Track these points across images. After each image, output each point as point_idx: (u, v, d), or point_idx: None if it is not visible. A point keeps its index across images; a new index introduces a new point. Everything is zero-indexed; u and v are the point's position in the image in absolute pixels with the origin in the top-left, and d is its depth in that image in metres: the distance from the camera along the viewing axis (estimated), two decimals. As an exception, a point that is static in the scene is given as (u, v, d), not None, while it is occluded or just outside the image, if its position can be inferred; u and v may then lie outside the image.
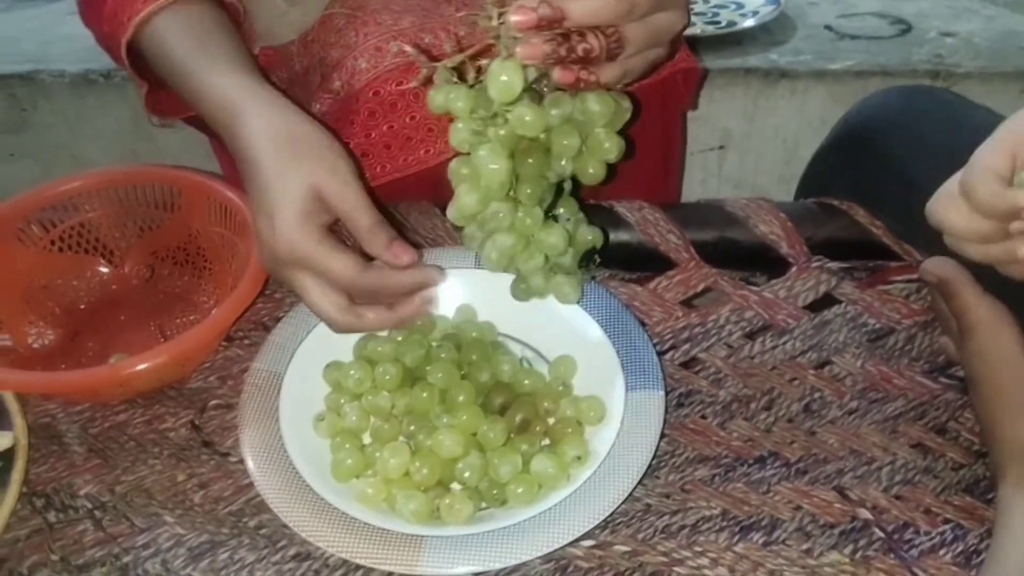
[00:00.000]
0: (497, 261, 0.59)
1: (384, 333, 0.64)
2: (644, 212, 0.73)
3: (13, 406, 0.61)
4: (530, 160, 0.56)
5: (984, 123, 0.66)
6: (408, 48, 0.57)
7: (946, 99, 0.77)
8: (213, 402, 0.64)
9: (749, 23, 1.28)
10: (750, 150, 1.33)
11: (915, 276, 0.68)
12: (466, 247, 0.62)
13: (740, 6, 1.32)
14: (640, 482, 0.55)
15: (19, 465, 0.58)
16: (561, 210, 0.61)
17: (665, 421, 0.58)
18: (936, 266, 0.59)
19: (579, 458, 0.56)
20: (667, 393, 0.60)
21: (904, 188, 0.71)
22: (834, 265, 0.70)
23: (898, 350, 0.65)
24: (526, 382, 0.62)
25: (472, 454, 0.57)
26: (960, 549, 0.53)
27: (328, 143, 0.60)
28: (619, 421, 0.58)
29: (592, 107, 0.56)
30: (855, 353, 0.65)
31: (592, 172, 0.58)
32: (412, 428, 0.59)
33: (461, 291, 0.67)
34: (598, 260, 0.65)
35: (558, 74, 0.53)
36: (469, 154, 0.56)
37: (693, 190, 1.32)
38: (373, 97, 0.74)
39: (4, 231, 0.70)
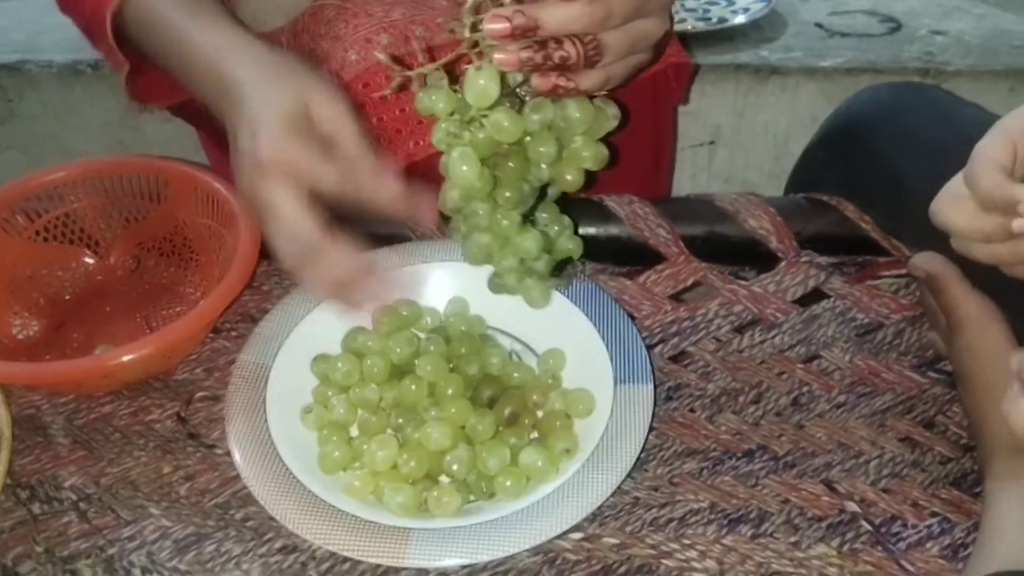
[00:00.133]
0: (476, 256, 0.60)
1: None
2: (634, 206, 0.72)
3: (-3, 397, 0.61)
4: (510, 164, 0.57)
5: (973, 120, 0.66)
6: (380, 55, 0.57)
7: (936, 95, 0.77)
8: (199, 394, 0.63)
9: (740, 20, 1.28)
10: (740, 146, 1.33)
11: (904, 271, 0.68)
12: (452, 238, 0.62)
13: (731, 3, 1.32)
14: (629, 475, 0.55)
15: (3, 456, 0.57)
16: (543, 215, 0.61)
17: (654, 414, 0.58)
18: (925, 261, 0.59)
19: (568, 451, 0.56)
20: (656, 387, 0.60)
21: (893, 184, 0.71)
22: (823, 260, 0.70)
23: (886, 345, 0.65)
24: (515, 375, 0.62)
25: (460, 447, 0.57)
26: (947, 542, 0.53)
27: (312, 69, 0.60)
28: (608, 414, 0.58)
29: (572, 114, 0.56)
30: (844, 347, 0.65)
31: (570, 179, 0.59)
32: (400, 421, 0.59)
33: (452, 284, 0.67)
34: (579, 269, 0.65)
35: (535, 81, 0.54)
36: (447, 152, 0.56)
37: (683, 185, 1.32)
38: (363, 89, 0.74)
39: (-11, 221, 0.69)
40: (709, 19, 1.28)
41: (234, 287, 0.62)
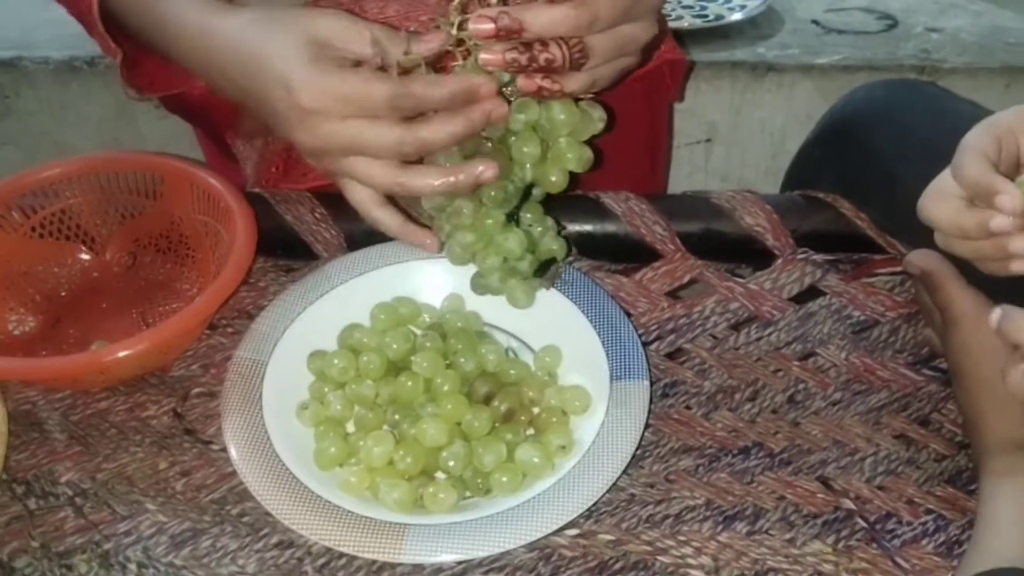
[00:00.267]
0: (459, 255, 0.61)
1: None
2: (630, 203, 0.73)
3: (-7, 393, 0.61)
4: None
5: (969, 117, 0.66)
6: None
7: (932, 93, 0.77)
8: (196, 390, 0.63)
9: (736, 17, 1.28)
10: (737, 144, 1.33)
11: (899, 269, 0.68)
12: (436, 236, 0.62)
13: (728, 0, 1.32)
14: (624, 472, 0.55)
15: (-1, 452, 0.58)
16: (528, 215, 0.62)
17: (650, 411, 0.58)
18: (920, 258, 0.59)
19: (563, 447, 0.56)
20: (652, 383, 0.60)
21: (889, 181, 0.71)
22: (819, 257, 0.70)
23: (882, 342, 0.65)
24: (511, 372, 0.62)
25: (456, 443, 0.57)
26: (942, 539, 0.53)
27: (307, 7, 0.58)
28: (604, 411, 0.58)
29: (557, 115, 0.57)
30: (839, 345, 0.65)
31: (554, 180, 0.59)
32: (396, 417, 0.59)
33: (448, 281, 0.67)
34: (560, 271, 0.65)
35: (521, 82, 0.54)
36: None
37: (680, 183, 1.32)
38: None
39: (-16, 217, 0.69)
40: (706, 16, 1.28)
41: (230, 283, 0.62)
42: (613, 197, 0.73)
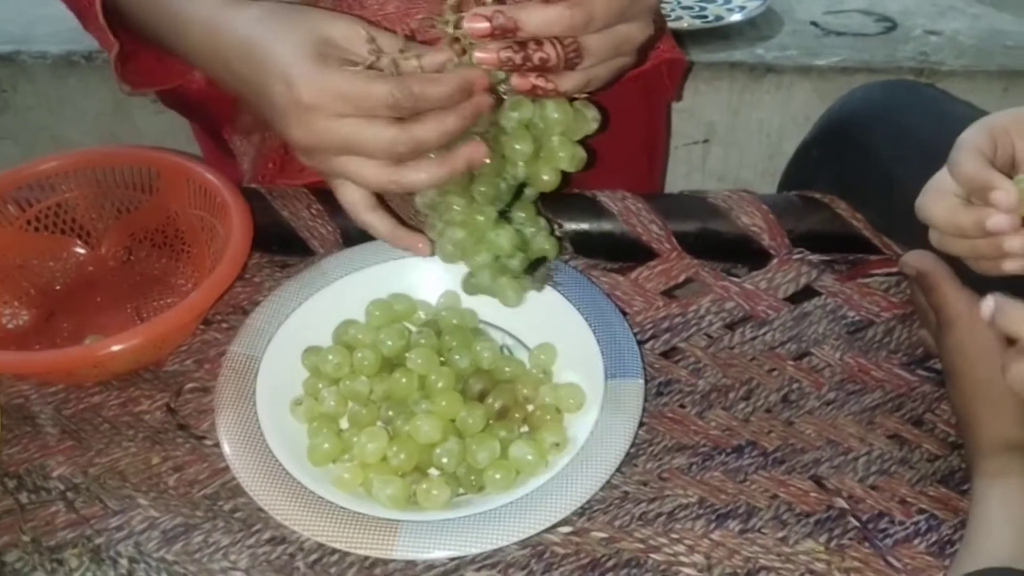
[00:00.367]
0: (450, 253, 0.61)
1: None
2: (627, 202, 0.72)
3: (-14, 386, 0.61)
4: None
5: (966, 118, 0.66)
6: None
7: (929, 94, 0.77)
8: (189, 385, 0.63)
9: (736, 17, 1.28)
10: (735, 144, 1.33)
11: (895, 269, 0.68)
12: (428, 234, 0.62)
13: (727, 0, 1.32)
14: (618, 470, 0.55)
15: (-9, 446, 0.57)
16: (520, 214, 0.62)
17: (644, 410, 0.58)
18: (916, 259, 0.59)
19: (557, 445, 0.56)
20: (647, 382, 0.60)
21: (886, 182, 0.71)
22: (815, 257, 0.70)
23: (876, 342, 0.65)
24: (506, 369, 0.62)
25: (450, 440, 0.57)
26: (934, 539, 0.53)
27: (316, 7, 0.59)
28: (598, 409, 0.58)
29: (550, 114, 0.57)
30: (834, 345, 0.65)
31: (546, 179, 0.59)
32: (390, 413, 0.59)
33: (444, 278, 0.67)
34: (551, 271, 0.65)
35: (515, 81, 0.54)
36: None
37: (677, 183, 1.32)
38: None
39: (-20, 210, 0.69)
40: (705, 17, 1.28)
41: (225, 278, 0.62)
42: (610, 196, 0.73)
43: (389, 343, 0.62)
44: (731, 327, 0.67)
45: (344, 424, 0.60)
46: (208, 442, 0.60)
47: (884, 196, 0.71)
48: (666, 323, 0.67)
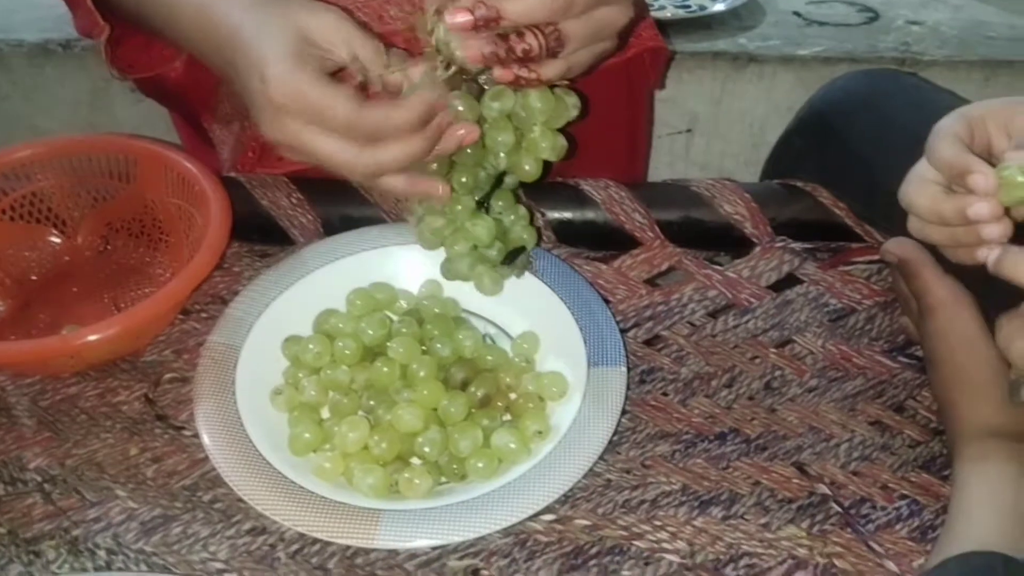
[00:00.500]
0: (429, 240, 0.61)
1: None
2: (610, 190, 0.72)
3: (-40, 377, 0.60)
4: (467, 150, 0.57)
5: (948, 107, 0.66)
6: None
7: (911, 83, 0.77)
8: (168, 375, 0.63)
9: (719, 7, 1.28)
10: (717, 134, 1.33)
11: (876, 257, 0.68)
12: (408, 221, 0.62)
13: (710, -10, 1.32)
14: (601, 457, 0.55)
15: (-35, 437, 0.57)
16: (498, 203, 0.61)
17: (627, 397, 0.58)
18: (897, 246, 0.59)
19: (540, 433, 0.56)
20: (629, 370, 0.60)
21: (868, 170, 0.71)
22: (797, 246, 0.70)
23: (858, 330, 0.65)
24: (488, 358, 0.62)
25: (432, 429, 0.56)
26: (916, 524, 0.54)
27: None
28: (581, 397, 0.57)
29: (533, 104, 0.57)
30: (816, 332, 0.65)
31: (527, 169, 0.59)
32: (372, 403, 0.59)
33: (425, 267, 0.67)
34: (529, 260, 0.64)
35: (498, 73, 0.54)
36: None
37: (660, 173, 1.32)
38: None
39: (-47, 199, 0.68)
40: (688, 6, 1.28)
41: (203, 268, 0.61)
42: (593, 184, 0.73)
43: (370, 332, 0.61)
44: (714, 315, 0.67)
45: (325, 413, 0.60)
46: (187, 433, 0.59)
47: (866, 184, 0.71)
48: (649, 311, 0.67)
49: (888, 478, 0.56)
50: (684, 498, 0.55)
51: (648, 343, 0.65)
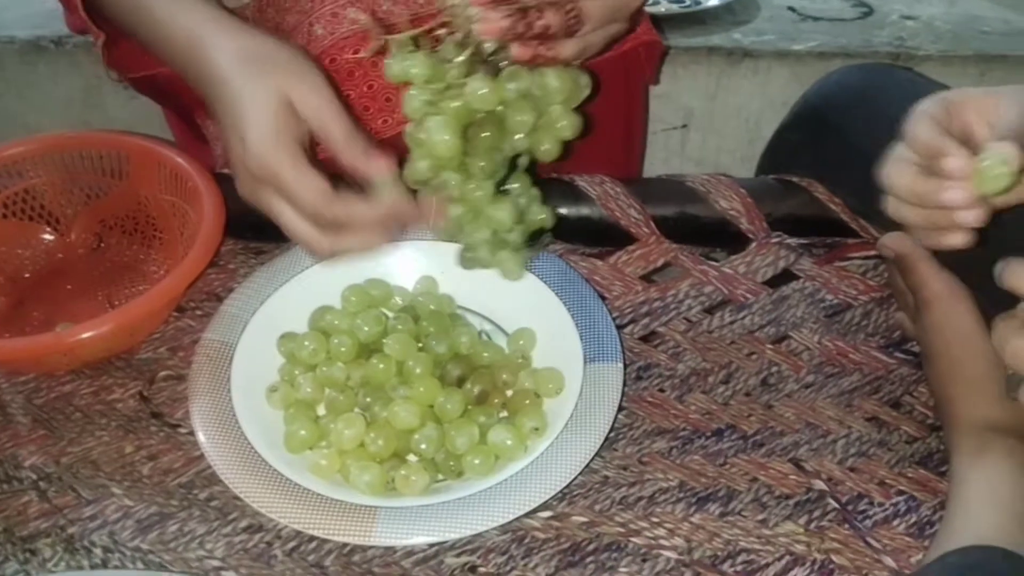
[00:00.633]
0: (446, 230, 0.59)
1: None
2: (605, 186, 0.72)
3: (-47, 376, 0.60)
4: (484, 133, 0.56)
5: (943, 100, 0.66)
6: (361, 16, 0.56)
7: (905, 77, 0.77)
8: (163, 373, 0.62)
9: (713, 2, 1.27)
10: (713, 130, 1.33)
11: (872, 253, 0.68)
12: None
13: (704, -15, 1.31)
14: (598, 454, 0.55)
15: (-41, 436, 0.56)
16: (515, 185, 0.61)
17: (624, 394, 0.58)
18: (894, 241, 0.59)
19: (536, 429, 0.56)
20: (626, 366, 0.60)
21: (863, 164, 0.71)
22: (793, 241, 0.70)
23: (854, 325, 0.65)
24: (485, 354, 0.62)
25: (428, 425, 0.56)
26: (913, 520, 0.54)
27: (295, 55, 0.59)
28: (577, 393, 0.57)
29: (551, 83, 0.56)
30: (812, 328, 0.65)
31: (546, 148, 0.58)
32: (368, 400, 0.58)
33: (421, 262, 0.66)
34: (548, 240, 0.64)
35: (516, 51, 0.53)
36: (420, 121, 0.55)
37: (656, 169, 1.32)
38: (329, 64, 0.72)
39: (-55, 197, 0.67)
40: (682, 1, 1.28)
41: (197, 264, 0.61)
42: (588, 180, 0.73)
43: (366, 329, 0.61)
44: (710, 311, 0.66)
45: (321, 411, 0.60)
46: (182, 430, 0.59)
47: (861, 179, 0.71)
48: (645, 307, 0.67)
49: (885, 474, 0.56)
50: (681, 494, 0.55)
51: (644, 339, 0.65)
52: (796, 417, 0.59)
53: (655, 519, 0.54)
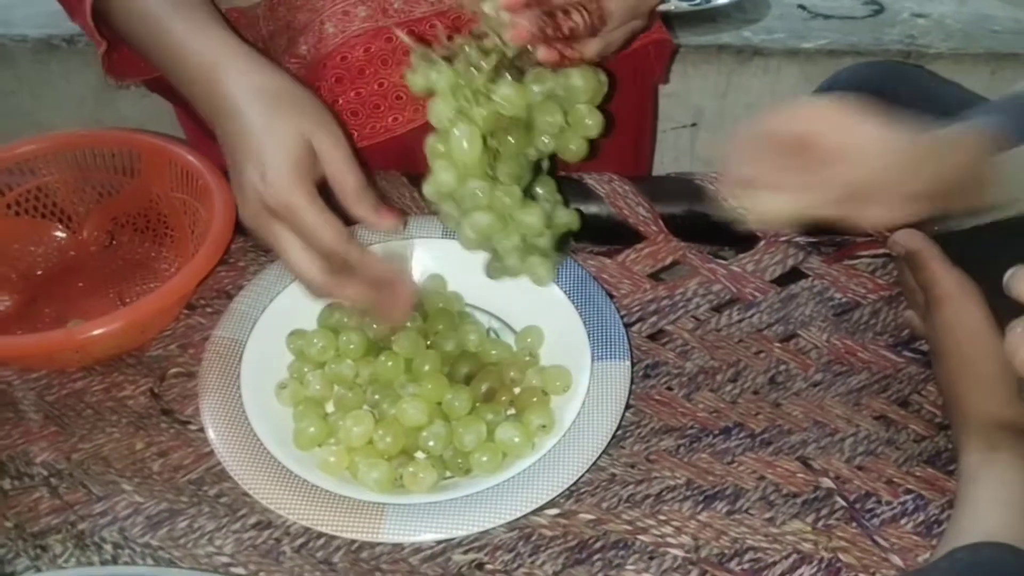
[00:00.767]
0: (474, 240, 0.59)
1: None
2: (614, 184, 0.72)
3: (-34, 372, 0.60)
4: (510, 138, 0.55)
5: (953, 98, 0.66)
6: (400, 33, 0.56)
7: (915, 74, 0.77)
8: (173, 370, 0.63)
9: (723, 0, 1.27)
10: (722, 128, 1.32)
11: (881, 251, 0.68)
12: (443, 225, 0.60)
13: (714, -17, 1.31)
14: (605, 452, 0.55)
15: (-28, 432, 0.57)
16: (540, 190, 0.60)
17: (631, 392, 0.58)
18: (904, 238, 0.59)
19: (544, 427, 0.56)
20: (634, 364, 0.60)
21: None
22: (801, 239, 0.70)
23: (863, 324, 0.65)
24: (493, 352, 0.62)
25: (436, 423, 0.56)
26: (921, 519, 0.53)
27: (314, 100, 0.59)
28: (585, 391, 0.57)
29: (575, 83, 0.56)
30: (821, 326, 0.65)
31: (574, 148, 0.58)
32: (376, 397, 0.59)
33: (430, 261, 0.67)
34: (572, 243, 0.64)
35: (543, 54, 0.54)
36: (446, 131, 0.55)
37: (665, 168, 1.31)
38: (340, 63, 0.73)
39: (-41, 195, 0.68)
40: None
41: (208, 262, 0.61)
42: (596, 178, 0.73)
43: (375, 326, 0.61)
44: (718, 309, 0.66)
45: (330, 408, 0.60)
46: (192, 427, 0.59)
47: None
48: (653, 305, 0.67)
49: (893, 472, 0.56)
50: (688, 492, 0.55)
51: (652, 337, 0.65)
52: (804, 415, 0.59)
53: (662, 517, 0.54)
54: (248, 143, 0.57)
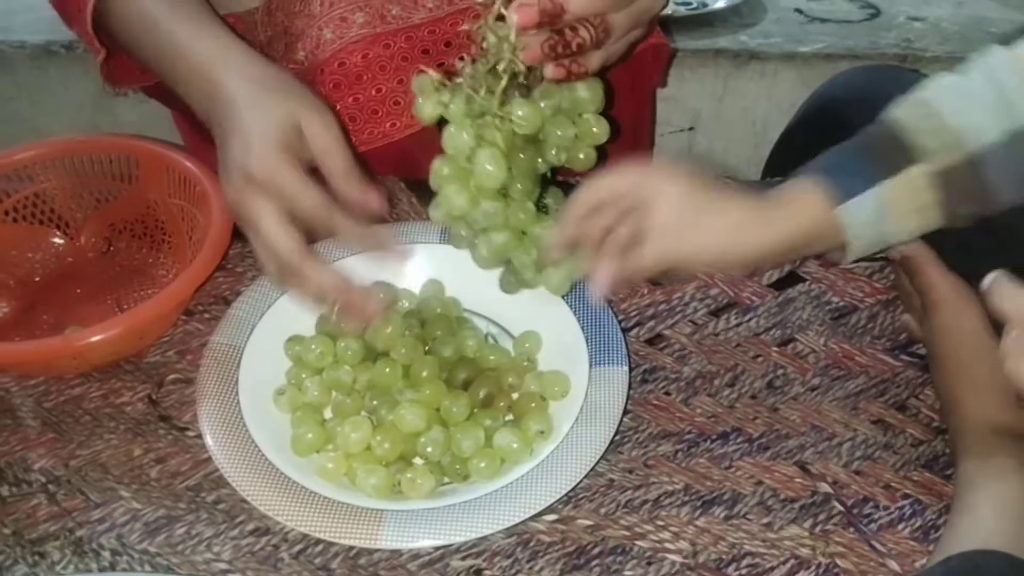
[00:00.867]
0: (489, 259, 0.58)
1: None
2: (611, 189, 0.72)
3: (-36, 379, 0.60)
4: (522, 155, 0.56)
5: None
6: (428, 70, 0.56)
7: (911, 78, 0.77)
8: (171, 376, 0.63)
9: (720, 4, 1.27)
10: (720, 132, 1.33)
11: (877, 255, 0.68)
12: (455, 246, 0.60)
13: (711, -13, 1.31)
14: (603, 457, 0.55)
15: (-30, 439, 0.57)
16: (549, 200, 0.61)
17: (629, 397, 0.58)
18: (900, 243, 0.59)
19: (542, 433, 0.56)
20: (631, 369, 0.60)
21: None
22: (800, 243, 0.70)
23: (860, 328, 0.65)
24: (491, 357, 0.62)
25: (435, 429, 0.57)
26: (919, 524, 0.54)
27: (307, 90, 0.60)
28: (583, 396, 0.57)
29: (581, 94, 0.56)
30: (818, 331, 0.65)
31: (583, 158, 0.58)
32: (374, 403, 0.59)
33: (427, 266, 0.67)
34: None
35: (551, 72, 0.54)
36: (451, 155, 0.55)
37: (662, 171, 1.32)
38: (338, 68, 0.73)
39: (-44, 201, 0.68)
40: (689, 3, 1.28)
41: (205, 268, 0.61)
42: (594, 183, 0.73)
43: (373, 331, 0.61)
44: (716, 314, 0.67)
45: (328, 414, 0.60)
46: (190, 433, 0.59)
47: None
48: (651, 310, 0.67)
49: (891, 477, 0.56)
50: (686, 498, 0.55)
51: (650, 342, 0.65)
52: (802, 420, 0.59)
53: (660, 522, 0.54)
54: (236, 123, 0.58)
